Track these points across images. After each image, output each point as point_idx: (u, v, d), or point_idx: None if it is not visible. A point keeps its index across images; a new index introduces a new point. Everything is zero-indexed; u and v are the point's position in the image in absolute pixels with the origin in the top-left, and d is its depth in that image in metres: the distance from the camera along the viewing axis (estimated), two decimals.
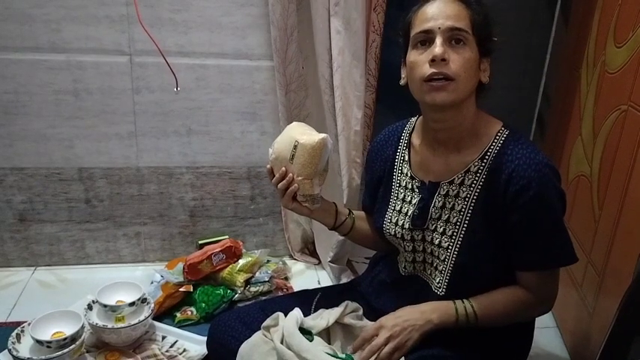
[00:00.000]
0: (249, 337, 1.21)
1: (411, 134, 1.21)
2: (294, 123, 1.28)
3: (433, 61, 1.01)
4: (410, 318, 1.07)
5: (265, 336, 1.19)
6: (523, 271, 1.09)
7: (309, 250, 2.06)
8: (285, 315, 1.19)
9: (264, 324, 1.20)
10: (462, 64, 1.01)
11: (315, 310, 1.28)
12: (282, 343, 1.12)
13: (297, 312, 1.19)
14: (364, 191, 1.35)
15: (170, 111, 1.78)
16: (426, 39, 1.03)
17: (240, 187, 1.93)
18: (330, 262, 1.92)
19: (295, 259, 2.03)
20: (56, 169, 1.79)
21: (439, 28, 1.02)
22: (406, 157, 1.18)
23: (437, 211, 1.11)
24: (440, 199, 1.10)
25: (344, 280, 1.87)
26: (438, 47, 1.01)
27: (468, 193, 1.07)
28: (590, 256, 1.51)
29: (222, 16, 1.70)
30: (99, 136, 1.77)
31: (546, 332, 1.68)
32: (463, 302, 1.09)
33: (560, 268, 1.12)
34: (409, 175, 1.16)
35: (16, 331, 1.44)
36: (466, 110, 1.07)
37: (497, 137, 1.07)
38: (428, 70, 1.01)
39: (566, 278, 1.66)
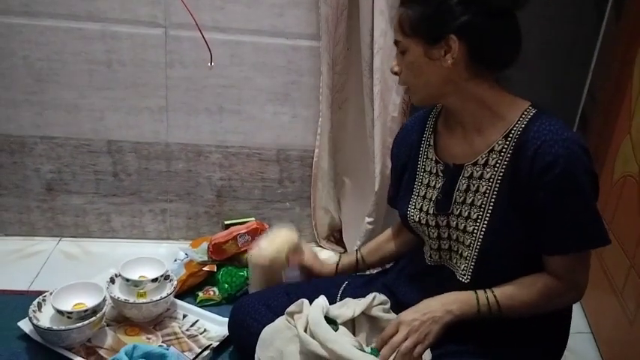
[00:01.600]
0: (273, 321, 1.18)
1: (436, 119, 1.17)
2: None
3: None
4: (429, 310, 1.03)
5: (289, 322, 1.15)
6: (550, 254, 1.03)
7: (335, 237, 2.02)
8: (310, 302, 1.15)
9: (288, 310, 1.17)
10: (405, 72, 1.05)
11: (341, 299, 1.25)
12: (305, 331, 1.09)
13: (322, 300, 1.15)
14: (390, 184, 1.32)
15: (202, 87, 1.74)
16: None
17: (269, 170, 1.89)
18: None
19: (321, 246, 1.99)
20: (85, 140, 1.78)
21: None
22: (431, 142, 1.15)
23: (461, 194, 1.06)
24: (464, 181, 1.06)
25: (370, 270, 1.81)
26: (393, 61, 1.08)
27: (492, 174, 1.02)
28: (633, 260, 1.44)
29: None
30: (129, 108, 1.75)
31: (579, 338, 1.61)
32: (485, 292, 1.04)
33: (590, 255, 1.05)
34: (434, 159, 1.13)
35: (37, 300, 1.43)
36: (465, 96, 1.03)
37: (524, 116, 1.02)
38: None
39: (604, 283, 1.59)
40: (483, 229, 1.04)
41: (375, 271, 1.78)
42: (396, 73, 1.07)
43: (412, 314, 1.03)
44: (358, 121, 1.79)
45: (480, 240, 1.04)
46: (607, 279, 1.57)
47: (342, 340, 1.03)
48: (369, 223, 1.81)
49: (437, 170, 1.12)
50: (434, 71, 1.01)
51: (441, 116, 1.16)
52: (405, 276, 1.24)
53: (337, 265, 1.38)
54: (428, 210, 1.12)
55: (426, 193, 1.14)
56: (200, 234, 1.91)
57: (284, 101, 1.80)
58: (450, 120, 1.11)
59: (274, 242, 1.38)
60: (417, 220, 1.14)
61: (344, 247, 1.97)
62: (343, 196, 1.97)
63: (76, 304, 1.42)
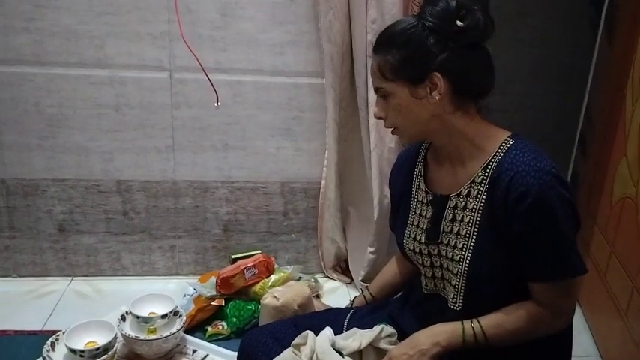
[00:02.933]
0: (280, 353, 1.20)
1: (427, 151, 1.22)
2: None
3: None
4: (417, 344, 1.06)
5: (295, 354, 1.17)
6: (532, 282, 1.05)
7: (341, 267, 2.04)
8: (317, 332, 1.17)
9: (294, 342, 1.19)
10: (393, 115, 1.07)
11: (347, 328, 1.26)
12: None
13: (329, 331, 1.17)
14: (390, 211, 1.34)
15: (207, 126, 1.81)
16: None
17: (274, 203, 1.94)
18: (361, 280, 1.90)
19: (327, 277, 2.01)
20: (96, 181, 1.83)
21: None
22: (422, 173, 1.19)
23: (448, 224, 1.09)
24: (450, 211, 1.09)
25: None
26: (374, 107, 1.12)
27: (474, 204, 1.06)
28: (635, 281, 1.45)
29: (260, 33, 1.72)
30: (138, 149, 1.81)
31: None
32: (472, 322, 1.06)
33: (573, 283, 1.05)
34: (424, 189, 1.16)
35: (51, 339, 1.46)
36: (450, 130, 1.07)
37: (502, 147, 1.05)
38: None
39: (610, 305, 1.60)
40: (468, 257, 1.06)
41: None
42: (380, 118, 1.10)
43: (402, 349, 1.07)
44: (361, 152, 1.84)
45: (466, 268, 1.06)
46: (612, 301, 1.58)
47: None
48: (371, 252, 1.85)
49: (427, 200, 1.16)
50: (422, 109, 1.04)
51: (430, 149, 1.20)
52: (408, 305, 1.25)
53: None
54: (421, 239, 1.15)
55: (419, 222, 1.17)
56: (208, 268, 1.95)
57: (286, 136, 1.85)
58: (437, 153, 1.15)
59: (287, 291, 1.50)
60: (411, 248, 1.17)
61: (350, 276, 2.00)
62: (349, 226, 2.00)
63: (88, 343, 1.45)
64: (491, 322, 1.05)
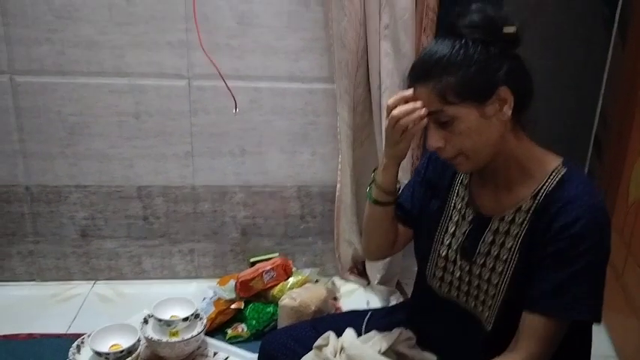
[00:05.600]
0: (302, 355, 1.21)
1: None
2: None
3: None
4: None
5: (317, 356, 1.19)
6: (532, 311, 0.99)
7: (358, 270, 2.06)
8: (337, 333, 1.20)
9: (316, 344, 1.21)
10: (461, 141, 0.98)
11: (365, 331, 1.28)
12: (335, 357, 1.13)
13: (351, 331, 1.19)
14: (404, 190, 1.24)
15: (225, 132, 1.84)
16: None
17: (291, 207, 1.96)
18: (378, 283, 1.92)
19: (344, 279, 2.04)
20: (117, 187, 1.87)
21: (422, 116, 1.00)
22: (465, 181, 1.14)
23: (486, 246, 1.07)
24: (490, 235, 1.06)
25: (393, 303, 1.85)
26: (428, 139, 1.00)
27: (518, 231, 1.02)
28: None
29: (276, 40, 1.75)
30: (157, 155, 1.85)
31: None
32: None
33: (561, 336, 0.99)
34: (465, 200, 1.12)
35: (76, 343, 1.50)
36: (504, 156, 1.02)
37: (553, 176, 1.00)
38: None
39: (626, 307, 1.60)
40: (507, 282, 1.04)
41: (394, 302, 1.83)
42: (438, 149, 0.99)
43: None
44: (377, 157, 1.86)
45: (503, 293, 1.05)
46: (629, 302, 1.59)
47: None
48: None
49: (465, 213, 1.11)
50: (492, 129, 0.98)
51: None
52: (425, 309, 1.24)
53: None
54: (456, 248, 1.12)
55: (454, 231, 1.13)
56: (227, 272, 1.98)
57: (303, 141, 1.88)
58: (482, 173, 1.09)
59: (305, 293, 1.55)
60: (443, 255, 1.14)
61: (367, 278, 2.02)
62: None
63: (112, 346, 1.49)
64: None
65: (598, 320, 0.99)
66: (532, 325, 0.99)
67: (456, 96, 0.95)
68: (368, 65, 1.76)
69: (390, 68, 1.69)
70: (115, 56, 1.73)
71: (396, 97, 1.04)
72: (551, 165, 1.02)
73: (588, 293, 0.97)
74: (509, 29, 0.95)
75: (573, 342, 1.11)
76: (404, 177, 1.81)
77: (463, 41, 0.95)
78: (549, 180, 1.00)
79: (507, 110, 0.96)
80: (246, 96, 1.80)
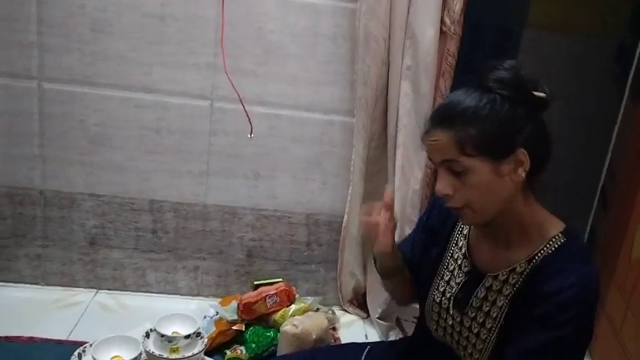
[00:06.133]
0: None
1: None
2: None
3: None
4: None
5: None
6: None
7: (358, 302, 2.08)
8: None
9: None
10: (470, 193, 0.97)
11: None
12: None
13: None
14: (406, 238, 1.30)
15: (241, 154, 1.88)
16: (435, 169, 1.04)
17: (298, 233, 1.99)
18: (378, 318, 1.93)
19: (344, 310, 2.05)
20: (130, 198, 1.90)
21: (434, 162, 1.01)
22: (465, 231, 1.15)
23: (478, 301, 1.08)
24: (483, 290, 1.07)
25: (392, 338, 1.87)
26: (437, 184, 1.00)
27: (510, 292, 1.04)
28: None
29: (300, 71, 1.80)
30: (173, 172, 1.88)
31: None
32: None
33: None
34: (463, 251, 1.14)
35: (78, 351, 1.51)
36: (510, 215, 1.02)
37: (552, 242, 1.01)
38: None
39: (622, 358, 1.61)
40: (494, 340, 1.05)
41: (393, 338, 1.84)
42: (446, 196, 0.99)
43: None
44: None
45: (489, 349, 1.06)
46: (625, 355, 1.60)
47: None
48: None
49: (462, 264, 1.13)
50: (502, 188, 0.98)
51: None
52: (424, 348, 1.25)
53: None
54: (450, 298, 1.13)
55: (450, 279, 1.15)
56: (229, 292, 1.99)
57: (316, 170, 1.92)
58: (483, 229, 1.10)
59: (307, 321, 1.56)
60: (437, 301, 1.15)
61: (367, 311, 2.03)
62: (370, 262, 2.04)
63: (113, 357, 1.49)
64: None
65: None
66: None
67: (474, 148, 0.95)
68: (387, 103, 1.80)
69: (408, 108, 1.73)
70: (143, 72, 1.78)
71: (368, 207, 1.14)
72: (551, 232, 1.02)
73: None
74: (540, 94, 0.97)
75: None
76: (412, 214, 1.84)
77: (492, 96, 0.96)
78: (547, 247, 1.01)
79: (522, 172, 0.97)
80: (265, 122, 1.85)
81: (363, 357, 1.34)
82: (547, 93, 0.97)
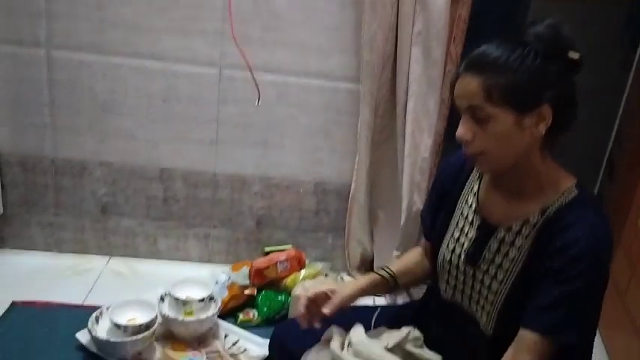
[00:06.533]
0: (312, 344, 1.26)
1: None
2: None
3: None
4: None
5: (325, 349, 1.24)
6: (524, 326, 1.02)
7: (365, 268, 2.11)
8: (345, 328, 1.23)
9: (323, 337, 1.25)
10: (488, 141, 1.00)
11: (375, 326, 1.32)
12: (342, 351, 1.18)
13: (360, 327, 1.24)
14: (425, 203, 1.33)
15: (250, 123, 1.88)
16: (460, 112, 1.05)
17: (307, 201, 2.01)
18: None
19: (351, 276, 2.08)
20: (140, 167, 1.92)
21: (459, 108, 1.03)
22: (475, 188, 1.17)
23: (491, 254, 1.10)
24: (496, 243, 1.09)
25: (400, 302, 1.90)
26: (459, 129, 1.02)
27: (522, 243, 1.06)
28: None
29: (309, 38, 1.79)
30: (182, 140, 1.89)
31: None
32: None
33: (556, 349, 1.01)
34: (473, 207, 1.16)
35: (95, 314, 1.55)
36: (525, 168, 1.04)
37: (564, 194, 1.03)
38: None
39: (628, 325, 1.65)
40: (506, 291, 1.07)
41: (401, 302, 1.87)
42: (464, 141, 1.01)
43: None
44: (394, 159, 1.91)
45: (501, 301, 1.08)
46: (631, 322, 1.63)
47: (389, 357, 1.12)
48: (396, 256, 1.91)
49: (473, 220, 1.15)
50: (520, 140, 1.00)
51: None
52: (433, 310, 1.28)
53: (366, 285, 1.29)
54: (460, 254, 1.15)
55: (459, 237, 1.17)
56: (239, 259, 2.02)
57: (324, 138, 1.92)
58: (496, 180, 1.12)
59: (318, 285, 1.50)
60: (448, 259, 1.18)
61: None
62: (377, 229, 2.07)
63: (129, 319, 1.54)
64: None
65: (584, 346, 1.02)
66: (524, 339, 1.01)
67: (500, 97, 0.96)
68: (395, 69, 1.80)
69: (419, 74, 1.73)
70: (152, 39, 1.77)
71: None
72: (564, 185, 1.05)
73: (579, 317, 0.99)
74: (574, 55, 0.98)
75: (573, 358, 1.15)
76: (422, 181, 1.85)
77: (527, 49, 0.97)
78: (560, 199, 1.03)
79: (542, 128, 0.99)
80: (273, 89, 1.85)
81: (374, 319, 1.36)
82: (581, 56, 0.98)
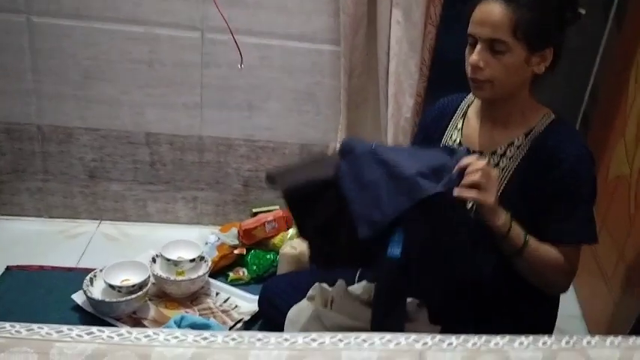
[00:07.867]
0: (298, 300, 1.33)
1: (469, 106, 1.29)
2: None
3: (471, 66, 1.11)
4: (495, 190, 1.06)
5: (309, 306, 1.31)
6: (556, 244, 1.14)
7: None
8: (330, 284, 1.30)
9: (308, 294, 1.32)
10: (499, 71, 1.09)
11: (358, 281, 1.40)
12: (325, 307, 1.25)
13: (342, 282, 1.30)
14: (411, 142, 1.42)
15: (234, 86, 1.90)
16: (473, 42, 1.12)
17: (292, 163, 2.05)
18: None
19: None
20: (126, 132, 1.94)
21: (479, 37, 1.10)
22: (459, 125, 1.27)
23: None
24: None
25: None
26: (474, 55, 1.10)
27: (507, 164, 1.17)
28: (622, 251, 1.60)
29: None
30: (167, 104, 1.91)
31: (570, 320, 1.77)
32: (523, 229, 1.10)
33: (581, 248, 1.18)
34: (458, 141, 1.25)
35: (89, 276, 1.61)
36: (516, 99, 1.16)
37: (543, 119, 1.17)
38: (469, 71, 1.13)
39: (596, 271, 1.75)
40: None
41: None
42: (476, 67, 1.10)
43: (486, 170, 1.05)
44: (374, 120, 1.95)
45: None
46: (598, 268, 1.73)
47: (366, 313, 1.18)
48: None
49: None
50: (523, 74, 1.12)
51: (473, 105, 1.28)
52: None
53: None
54: None
55: None
56: (228, 220, 2.07)
57: (308, 100, 1.95)
58: (484, 112, 1.23)
59: (304, 243, 1.56)
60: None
61: None
62: None
63: (123, 280, 1.59)
64: (535, 242, 1.12)
65: (596, 241, 1.17)
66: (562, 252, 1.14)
67: (523, 32, 1.05)
68: (375, 31, 1.81)
69: (400, 36, 1.75)
70: (133, 3, 1.77)
71: None
72: (543, 111, 1.19)
73: (585, 221, 1.15)
74: (582, 10, 1.10)
75: (543, 300, 1.24)
76: (404, 141, 1.90)
77: None
78: (540, 123, 1.17)
79: (542, 67, 1.11)
80: (256, 52, 1.86)
81: (357, 274, 1.43)
82: (582, 13, 1.11)
